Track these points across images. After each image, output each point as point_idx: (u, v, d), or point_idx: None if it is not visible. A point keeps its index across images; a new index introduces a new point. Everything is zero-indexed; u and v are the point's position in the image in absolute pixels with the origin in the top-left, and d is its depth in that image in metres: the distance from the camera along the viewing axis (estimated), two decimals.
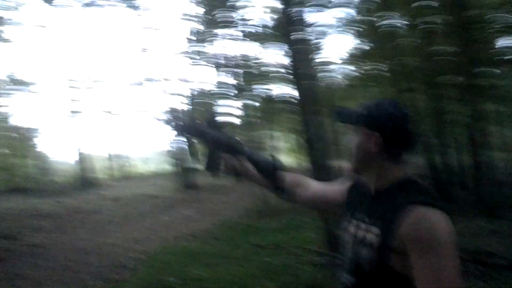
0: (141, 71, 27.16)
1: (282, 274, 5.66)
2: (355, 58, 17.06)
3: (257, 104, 28.24)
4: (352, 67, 20.18)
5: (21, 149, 28.51)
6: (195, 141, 2.12)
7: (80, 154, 25.60)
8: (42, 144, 37.85)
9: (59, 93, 25.76)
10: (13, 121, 28.19)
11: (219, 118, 2.18)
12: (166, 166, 35.31)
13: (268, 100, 25.17)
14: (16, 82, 28.76)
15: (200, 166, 2.16)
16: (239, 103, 23.82)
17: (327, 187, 2.09)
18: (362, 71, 17.16)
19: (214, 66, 26.38)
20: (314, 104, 6.22)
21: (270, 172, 2.03)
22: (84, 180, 24.33)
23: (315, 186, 2.11)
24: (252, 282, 5.48)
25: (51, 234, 12.24)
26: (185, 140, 2.12)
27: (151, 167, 38.14)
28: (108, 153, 36.48)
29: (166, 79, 21.65)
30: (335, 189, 2.01)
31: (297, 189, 2.10)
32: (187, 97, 22.46)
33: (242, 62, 17.44)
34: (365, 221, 1.66)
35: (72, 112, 24.60)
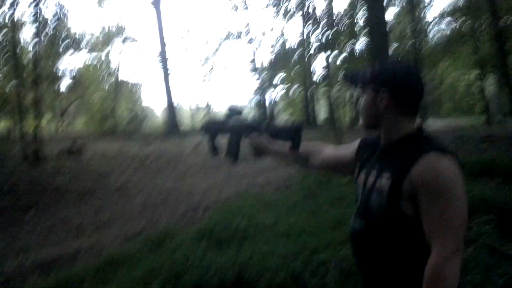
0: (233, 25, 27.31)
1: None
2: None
3: (339, 59, 27.82)
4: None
5: (118, 99, 30.36)
6: (214, 138, 2.25)
7: (170, 103, 26.57)
8: (140, 94, 40.11)
9: (160, 47, 26.45)
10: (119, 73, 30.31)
11: (240, 106, 2.28)
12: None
13: (354, 54, 24.65)
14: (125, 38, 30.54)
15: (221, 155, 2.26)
16: (324, 57, 23.48)
17: (339, 148, 2.10)
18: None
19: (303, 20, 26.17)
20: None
21: (291, 134, 2.06)
22: (170, 128, 25.33)
23: (327, 150, 2.10)
24: (320, 232, 5.51)
25: (136, 175, 13.02)
26: (209, 139, 2.24)
27: None
28: (195, 105, 37.66)
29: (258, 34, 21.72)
30: (347, 148, 2.02)
31: (310, 156, 2.11)
32: (273, 51, 22.45)
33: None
34: (376, 167, 1.69)
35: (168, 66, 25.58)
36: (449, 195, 1.43)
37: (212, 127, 2.26)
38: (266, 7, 22.28)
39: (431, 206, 1.45)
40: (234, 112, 2.25)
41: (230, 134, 2.23)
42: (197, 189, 10.65)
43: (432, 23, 28.46)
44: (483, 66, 19.96)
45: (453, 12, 19.79)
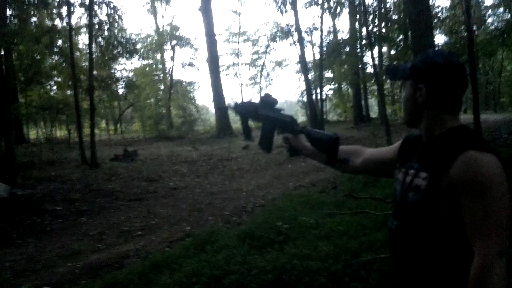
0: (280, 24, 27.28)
1: None
2: None
3: (392, 52, 27.18)
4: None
5: (172, 100, 31.04)
6: (248, 120, 2.24)
7: (221, 106, 26.88)
8: (195, 97, 40.97)
9: (208, 52, 26.91)
10: (174, 74, 31.05)
11: (274, 98, 2.21)
12: (299, 116, 35.76)
13: (407, 49, 24.02)
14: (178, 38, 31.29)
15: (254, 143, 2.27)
16: (375, 52, 23.01)
17: (380, 150, 2.05)
18: None
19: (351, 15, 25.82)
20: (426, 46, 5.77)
21: (326, 148, 1.97)
22: (221, 129, 25.62)
23: (368, 152, 2.05)
24: (362, 234, 5.42)
25: (185, 178, 13.27)
26: (241, 120, 2.24)
27: None
28: None
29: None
30: (388, 149, 1.97)
31: (350, 158, 2.04)
32: (321, 47, 22.26)
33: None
34: (414, 167, 1.63)
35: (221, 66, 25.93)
36: (491, 193, 1.37)
37: (245, 110, 2.23)
38: (311, 5, 21.90)
39: (473, 206, 1.39)
40: (267, 102, 2.19)
41: (263, 124, 2.20)
42: (243, 191, 10.72)
43: (487, 13, 27.48)
44: None
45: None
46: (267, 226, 6.05)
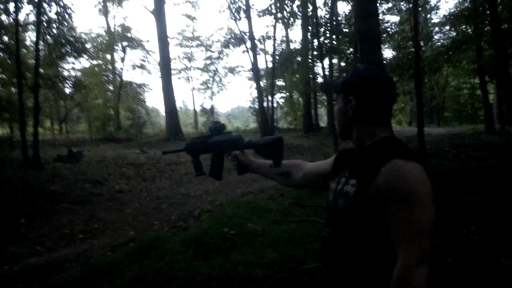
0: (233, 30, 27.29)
1: None
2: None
3: (342, 64, 27.78)
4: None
5: (120, 102, 30.41)
6: (198, 157, 2.32)
7: (171, 110, 26.57)
8: (145, 99, 40.24)
9: (160, 54, 26.52)
10: (124, 76, 30.37)
11: (222, 124, 2.34)
12: (250, 123, 35.93)
13: (356, 62, 24.61)
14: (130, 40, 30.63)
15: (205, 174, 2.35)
16: (326, 64, 23.43)
17: (318, 163, 2.09)
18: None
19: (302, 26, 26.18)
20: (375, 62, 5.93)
21: (271, 150, 2.07)
22: (171, 133, 25.32)
23: (307, 166, 2.10)
24: (307, 241, 5.46)
25: (133, 181, 12.99)
26: (192, 158, 2.31)
27: (235, 123, 38.91)
28: (196, 109, 37.74)
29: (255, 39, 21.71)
30: (325, 162, 2.02)
31: (291, 172, 2.11)
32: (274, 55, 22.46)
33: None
34: (345, 175, 1.67)
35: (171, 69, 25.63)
36: (415, 201, 1.40)
37: (195, 147, 2.29)
38: (265, 15, 22.04)
39: (397, 213, 1.42)
40: (215, 130, 2.27)
41: (213, 152, 2.26)
42: (191, 196, 10.62)
43: (434, 30, 28.54)
44: (483, 73, 19.92)
45: (454, 19, 19.78)
46: (213, 233, 6.01)
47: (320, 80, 27.51)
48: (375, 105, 1.61)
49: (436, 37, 29.84)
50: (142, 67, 33.95)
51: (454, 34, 22.23)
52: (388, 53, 35.94)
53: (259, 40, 23.53)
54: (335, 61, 28.41)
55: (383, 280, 1.43)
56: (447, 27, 23.84)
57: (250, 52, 21.92)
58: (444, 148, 14.75)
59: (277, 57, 23.53)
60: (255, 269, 4.52)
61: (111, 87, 34.21)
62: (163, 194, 11.12)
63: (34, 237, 7.47)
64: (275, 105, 26.66)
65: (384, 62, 24.40)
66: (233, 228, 6.22)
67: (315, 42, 22.71)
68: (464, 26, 20.02)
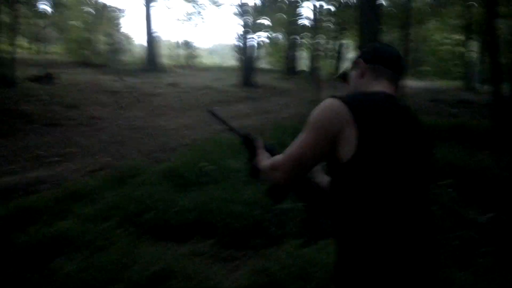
0: None
1: None
2: None
3: (332, 8, 27.31)
4: None
5: (97, 25, 29.28)
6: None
7: (151, 38, 25.86)
8: (123, 25, 38.93)
9: None
10: None
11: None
12: (231, 61, 35.39)
13: (345, 5, 24.24)
14: None
15: None
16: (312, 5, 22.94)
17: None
18: None
19: None
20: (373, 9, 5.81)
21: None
22: (150, 63, 24.80)
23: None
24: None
25: (110, 109, 12.79)
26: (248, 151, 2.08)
27: (216, 59, 38.29)
28: (177, 41, 36.85)
29: None
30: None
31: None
32: None
33: None
34: None
35: None
36: (306, 127, 1.52)
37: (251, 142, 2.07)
38: None
39: None
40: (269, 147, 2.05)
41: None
42: (166, 129, 10.54)
43: None
44: (468, 31, 19.88)
45: None
46: (191, 166, 6.00)
47: (305, 21, 27.09)
48: (378, 59, 1.71)
49: None
50: None
51: None
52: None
53: None
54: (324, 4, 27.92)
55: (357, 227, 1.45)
56: None
57: None
58: (421, 101, 14.91)
59: None
60: (233, 204, 4.55)
61: (90, 9, 32.79)
62: (138, 124, 11.00)
63: (7, 155, 7.36)
64: (257, 44, 26.12)
65: None
66: (212, 163, 6.21)
67: None
68: None
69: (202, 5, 36.45)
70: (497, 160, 7.09)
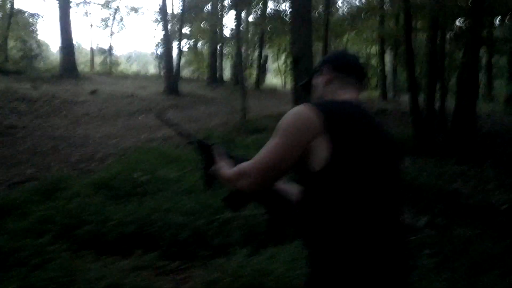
0: None
1: None
2: None
3: (250, 19, 27.69)
4: None
5: (10, 31, 27.65)
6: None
7: (66, 44, 24.76)
8: (37, 31, 36.98)
9: None
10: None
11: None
12: (151, 68, 34.79)
13: (265, 16, 24.65)
14: None
15: None
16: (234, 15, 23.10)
17: None
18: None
19: None
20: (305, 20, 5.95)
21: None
22: (67, 70, 23.71)
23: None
24: (221, 190, 5.44)
25: (28, 118, 12.07)
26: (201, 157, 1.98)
27: (136, 67, 37.46)
28: (94, 47, 35.65)
29: None
30: None
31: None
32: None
33: None
34: None
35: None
36: (277, 133, 1.49)
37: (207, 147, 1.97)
38: None
39: None
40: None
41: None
42: (91, 138, 10.13)
43: None
44: (384, 41, 20.94)
45: None
46: (123, 177, 5.79)
47: (227, 32, 27.24)
48: (344, 68, 1.72)
49: (339, 3, 30.47)
50: None
51: (357, 2, 23.04)
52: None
53: None
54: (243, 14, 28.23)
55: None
56: None
57: None
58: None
59: (186, 1, 22.73)
60: (173, 215, 4.43)
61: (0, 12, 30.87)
62: (60, 134, 10.47)
63: None
64: (180, 51, 25.85)
65: None
66: (144, 173, 6.02)
67: None
68: None
69: (118, 11, 35.65)
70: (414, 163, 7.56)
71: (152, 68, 36.01)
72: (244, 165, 1.58)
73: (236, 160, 1.84)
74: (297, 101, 5.96)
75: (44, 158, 7.90)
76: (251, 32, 27.11)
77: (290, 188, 1.80)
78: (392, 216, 1.51)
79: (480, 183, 7.41)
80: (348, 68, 1.71)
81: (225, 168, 1.75)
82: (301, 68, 5.86)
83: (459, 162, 8.38)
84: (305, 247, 1.54)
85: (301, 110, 1.48)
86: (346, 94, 1.66)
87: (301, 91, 5.97)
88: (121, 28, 38.24)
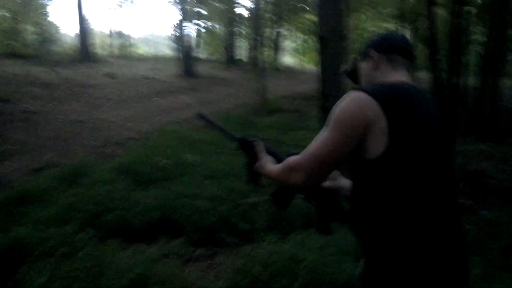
0: None
1: None
2: None
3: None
4: None
5: (25, 14, 27.71)
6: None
7: (83, 27, 24.77)
8: (50, 13, 36.98)
9: None
10: None
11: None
12: (167, 51, 34.67)
13: None
14: None
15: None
16: None
17: None
18: None
19: None
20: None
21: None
22: (83, 53, 23.75)
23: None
24: (240, 172, 5.38)
25: (46, 103, 12.08)
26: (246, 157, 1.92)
27: (151, 49, 37.41)
28: (110, 30, 35.63)
29: None
30: None
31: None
32: None
33: None
34: None
35: None
36: (332, 123, 1.43)
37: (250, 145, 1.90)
38: None
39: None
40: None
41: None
42: (112, 122, 10.11)
43: None
44: (402, 19, 20.50)
45: None
46: (147, 161, 5.77)
47: (243, 10, 26.96)
48: (391, 48, 1.61)
49: None
50: None
51: None
52: None
53: None
54: None
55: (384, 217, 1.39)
56: None
57: None
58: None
59: None
60: (198, 200, 4.39)
61: None
62: (79, 118, 10.45)
63: None
64: (196, 33, 25.73)
65: None
66: (167, 157, 5.99)
67: None
68: None
69: None
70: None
71: (168, 50, 35.83)
72: (294, 159, 1.51)
73: (276, 155, 1.80)
74: (324, 83, 5.80)
75: (64, 143, 7.90)
76: (268, 10, 26.74)
77: (340, 181, 1.76)
78: (450, 202, 1.45)
79: (503, 161, 7.26)
80: (396, 48, 1.62)
81: (270, 164, 1.69)
82: (329, 49, 5.66)
83: (482, 140, 8.23)
84: (360, 240, 1.49)
85: (356, 96, 1.41)
86: (398, 75, 1.58)
87: (330, 76, 5.84)
88: (137, 9, 38.12)
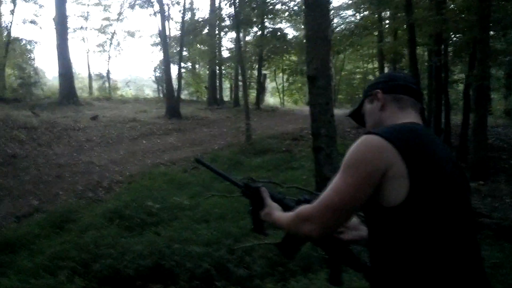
0: None
1: None
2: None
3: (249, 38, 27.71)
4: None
5: (8, 59, 27.64)
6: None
7: (65, 70, 24.71)
8: (34, 57, 36.89)
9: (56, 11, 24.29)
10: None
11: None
12: (150, 92, 34.74)
13: (264, 36, 24.64)
14: None
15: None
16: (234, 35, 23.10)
17: None
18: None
19: None
20: (322, 38, 5.78)
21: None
22: (66, 96, 23.60)
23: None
24: (240, 217, 5.24)
25: (26, 146, 11.87)
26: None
27: (133, 91, 37.45)
28: (93, 73, 35.65)
29: None
30: None
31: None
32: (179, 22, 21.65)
33: None
34: None
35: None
36: (344, 169, 1.34)
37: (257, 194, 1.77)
38: None
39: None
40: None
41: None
42: (96, 165, 9.91)
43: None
44: (381, 59, 20.93)
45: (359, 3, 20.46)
46: (136, 206, 5.61)
47: (226, 53, 27.30)
48: (398, 88, 1.55)
49: (335, 20, 30.46)
50: (33, 22, 30.96)
51: (354, 18, 23.01)
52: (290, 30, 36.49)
53: (167, 5, 22.58)
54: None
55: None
56: (347, 12, 24.35)
57: (158, 15, 20.97)
58: (344, 128, 15.30)
59: (184, 25, 22.75)
60: (191, 246, 4.23)
61: None
62: (64, 162, 10.26)
63: None
64: (179, 74, 25.81)
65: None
66: (156, 201, 5.84)
67: (223, 12, 22.44)
68: (367, 12, 20.71)
69: (115, 34, 35.75)
70: None
71: (149, 92, 35.92)
72: (307, 208, 1.41)
73: (281, 203, 1.68)
74: (315, 122, 5.80)
75: (49, 187, 7.70)
76: (249, 52, 27.05)
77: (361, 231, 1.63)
78: (473, 249, 1.36)
79: (492, 199, 7.25)
80: (402, 88, 1.55)
81: (278, 212, 1.59)
82: (318, 87, 5.69)
83: (471, 178, 8.21)
84: None
85: (370, 139, 1.32)
86: (406, 116, 1.49)
87: (319, 113, 5.83)
88: (119, 52, 38.27)
